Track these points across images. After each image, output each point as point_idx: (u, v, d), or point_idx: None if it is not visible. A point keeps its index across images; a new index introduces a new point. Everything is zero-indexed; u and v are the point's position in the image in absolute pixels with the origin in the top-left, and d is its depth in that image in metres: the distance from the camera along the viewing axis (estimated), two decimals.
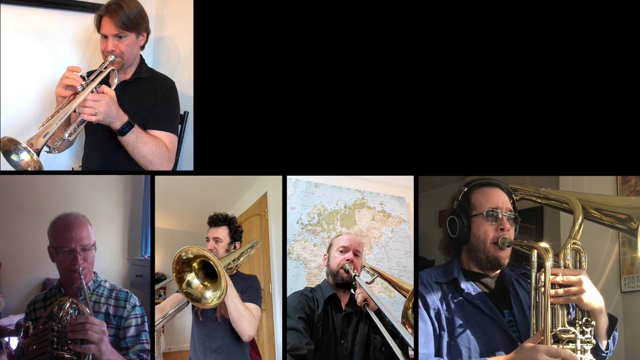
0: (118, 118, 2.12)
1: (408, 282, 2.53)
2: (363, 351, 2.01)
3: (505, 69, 2.28)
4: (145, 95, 2.29)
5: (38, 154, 1.99)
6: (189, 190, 2.43)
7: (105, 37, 2.23)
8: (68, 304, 1.91)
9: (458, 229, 1.90)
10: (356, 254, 2.16)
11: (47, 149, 2.06)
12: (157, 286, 2.20)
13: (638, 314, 2.19)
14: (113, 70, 2.20)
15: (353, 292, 2.13)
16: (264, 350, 2.36)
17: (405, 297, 2.05)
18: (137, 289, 2.23)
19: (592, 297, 1.71)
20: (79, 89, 2.08)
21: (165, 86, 2.32)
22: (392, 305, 2.46)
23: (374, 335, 2.04)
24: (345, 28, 2.27)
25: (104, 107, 2.08)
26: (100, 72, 2.16)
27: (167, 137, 2.26)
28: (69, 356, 1.85)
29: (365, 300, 2.08)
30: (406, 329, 1.92)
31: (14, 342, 2.08)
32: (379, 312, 2.00)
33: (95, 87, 2.10)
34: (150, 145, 2.18)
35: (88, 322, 1.86)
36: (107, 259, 2.38)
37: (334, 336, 2.06)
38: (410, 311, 1.98)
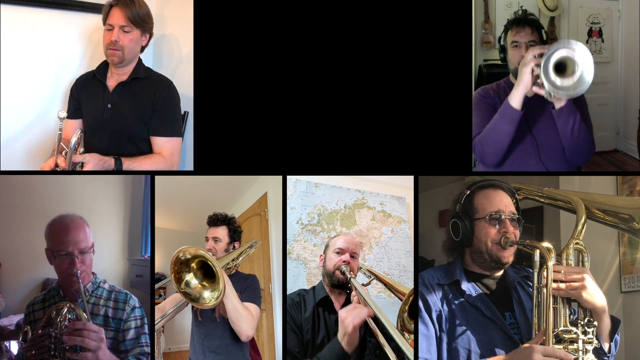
0: (108, 165, 2.19)
1: (408, 283, 2.53)
2: (357, 354, 1.99)
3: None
4: (144, 98, 2.30)
5: None
6: (189, 190, 2.43)
7: (110, 29, 2.26)
8: (66, 309, 1.90)
9: (461, 233, 1.90)
10: (353, 255, 2.14)
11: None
12: (157, 285, 2.20)
13: (638, 314, 2.19)
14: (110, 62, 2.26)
15: (349, 294, 2.12)
16: (264, 350, 2.35)
17: (402, 301, 2.02)
18: (137, 289, 2.23)
19: (594, 295, 1.71)
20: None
21: (164, 89, 2.33)
22: (392, 305, 2.45)
23: (369, 339, 2.02)
24: (345, 29, 2.27)
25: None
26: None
27: (168, 144, 2.29)
28: None
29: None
30: (403, 335, 1.89)
31: (14, 346, 2.08)
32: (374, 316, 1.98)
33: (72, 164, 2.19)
34: (147, 168, 2.24)
35: (85, 329, 1.85)
36: (106, 259, 2.38)
37: (326, 339, 2.03)
38: (406, 314, 1.96)
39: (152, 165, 2.25)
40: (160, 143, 2.29)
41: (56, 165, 2.17)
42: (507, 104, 2.10)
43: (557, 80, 1.98)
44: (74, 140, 2.19)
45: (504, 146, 2.15)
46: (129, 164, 2.23)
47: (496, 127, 2.14)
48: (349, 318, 1.87)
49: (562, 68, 1.99)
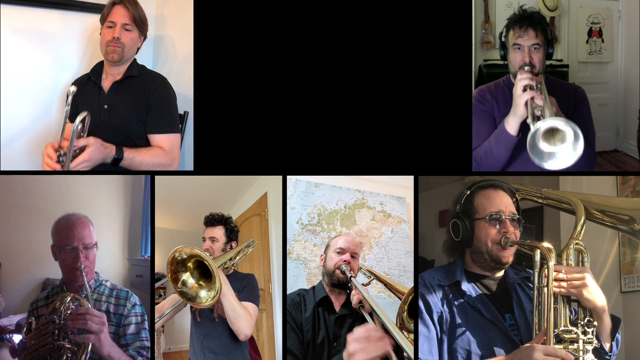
0: (107, 156, 2.17)
1: (408, 283, 2.53)
2: None
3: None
4: (138, 95, 2.30)
5: None
6: (189, 191, 2.43)
7: (111, 26, 2.26)
8: (69, 298, 1.94)
9: (461, 233, 1.90)
10: (353, 255, 2.15)
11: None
12: (157, 285, 2.20)
13: (638, 314, 2.19)
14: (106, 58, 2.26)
15: (349, 293, 2.11)
16: (264, 350, 2.36)
17: (401, 300, 2.01)
18: (137, 288, 2.23)
19: (594, 294, 1.71)
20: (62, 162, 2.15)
21: (158, 86, 2.32)
22: (392, 305, 2.45)
23: None
24: (345, 29, 2.27)
25: (89, 163, 2.14)
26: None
27: (166, 140, 2.28)
28: (69, 346, 1.87)
29: (360, 302, 2.05)
30: (402, 333, 1.87)
31: (17, 337, 2.10)
32: (374, 315, 1.98)
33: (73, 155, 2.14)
34: (147, 162, 2.23)
35: (88, 312, 1.89)
36: (107, 259, 2.38)
37: (327, 339, 2.04)
38: (405, 314, 1.96)
39: (153, 156, 2.24)
40: (158, 140, 2.28)
41: (59, 147, 2.14)
42: (503, 130, 2.11)
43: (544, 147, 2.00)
44: (78, 120, 2.16)
45: (500, 167, 2.17)
46: (129, 153, 2.21)
47: (492, 152, 2.15)
48: (359, 355, 1.60)
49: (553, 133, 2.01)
